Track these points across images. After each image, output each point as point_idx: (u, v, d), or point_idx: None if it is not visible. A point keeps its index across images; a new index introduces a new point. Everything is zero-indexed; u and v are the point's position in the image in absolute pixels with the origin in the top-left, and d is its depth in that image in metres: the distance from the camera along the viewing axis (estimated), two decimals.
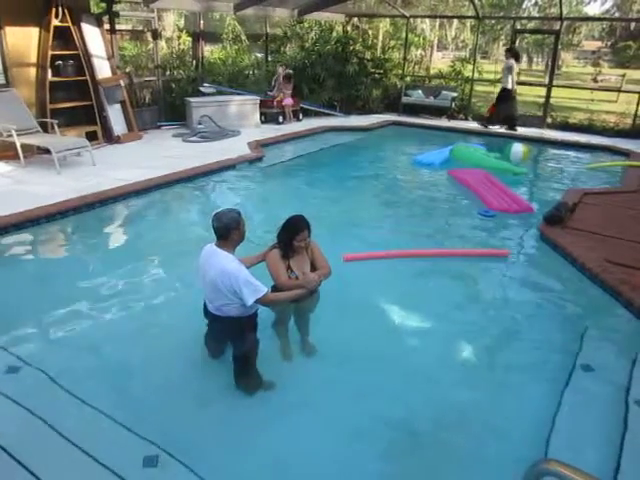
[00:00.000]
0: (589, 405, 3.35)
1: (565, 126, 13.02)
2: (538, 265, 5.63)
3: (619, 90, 19.14)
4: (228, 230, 3.23)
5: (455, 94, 14.16)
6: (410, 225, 6.68)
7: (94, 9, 9.92)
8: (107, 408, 3.09)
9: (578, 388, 3.47)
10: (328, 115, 13.60)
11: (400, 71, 15.01)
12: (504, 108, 12.51)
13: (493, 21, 28.41)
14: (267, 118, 12.38)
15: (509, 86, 12.27)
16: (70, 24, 8.68)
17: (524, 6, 29.56)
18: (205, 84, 11.79)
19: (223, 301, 3.25)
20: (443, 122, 13.62)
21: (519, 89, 14.14)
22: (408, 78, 15.31)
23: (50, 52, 8.47)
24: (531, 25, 18.67)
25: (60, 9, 8.45)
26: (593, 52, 42.15)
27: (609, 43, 40.18)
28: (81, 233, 5.94)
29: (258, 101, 12.06)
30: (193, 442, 2.90)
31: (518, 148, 9.29)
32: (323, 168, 9.46)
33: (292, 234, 3.53)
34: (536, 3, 29.59)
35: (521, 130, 12.46)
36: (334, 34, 14.57)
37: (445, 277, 5.15)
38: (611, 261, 5.12)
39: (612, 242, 5.70)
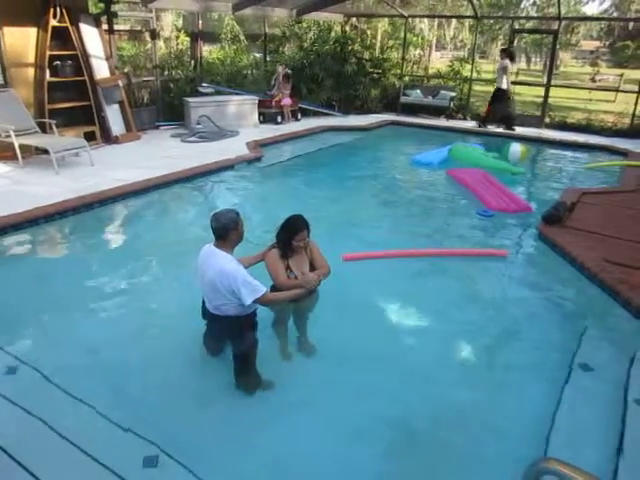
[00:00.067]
0: (588, 404, 3.35)
1: (563, 126, 13.03)
2: (537, 265, 5.64)
3: (617, 90, 19.16)
4: (226, 230, 3.23)
5: (453, 94, 14.18)
6: (409, 225, 6.68)
7: (92, 9, 9.91)
8: (107, 408, 3.09)
9: (577, 387, 3.48)
10: (327, 115, 13.60)
11: (399, 71, 15.02)
12: (499, 108, 12.54)
13: (491, 21, 28.42)
14: (265, 118, 12.38)
15: (504, 86, 12.31)
16: (68, 24, 8.67)
17: (522, 6, 29.58)
18: (204, 84, 11.79)
19: (221, 301, 3.25)
20: (441, 122, 13.62)
21: (518, 89, 14.20)
22: (407, 78, 15.31)
23: (48, 52, 8.46)
24: (529, 25, 18.69)
25: (58, 9, 8.44)
26: (591, 52, 42.22)
27: (607, 43, 40.23)
28: (80, 233, 5.94)
29: (257, 101, 12.06)
30: (193, 442, 2.90)
31: (516, 148, 9.31)
32: (322, 168, 9.46)
33: (291, 234, 3.53)
34: (534, 3, 29.62)
35: (519, 130, 12.48)
36: (332, 34, 14.58)
37: (444, 277, 5.16)
38: (610, 260, 5.13)
39: (611, 242, 5.70)
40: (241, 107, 11.84)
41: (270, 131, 11.46)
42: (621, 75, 23.65)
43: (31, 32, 8.40)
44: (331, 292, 3.93)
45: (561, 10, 12.89)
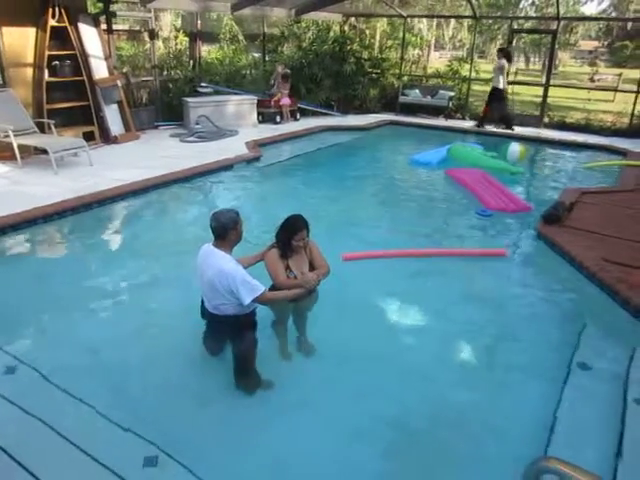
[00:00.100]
0: (588, 403, 3.36)
1: (562, 125, 13.05)
2: (536, 264, 5.64)
3: (616, 90, 19.17)
4: (225, 230, 3.23)
5: (452, 93, 14.18)
6: (408, 224, 6.68)
7: (91, 9, 9.90)
8: (106, 408, 3.08)
9: (576, 386, 3.48)
10: (325, 115, 13.60)
11: (397, 71, 15.02)
12: (497, 108, 12.57)
13: (490, 21, 28.44)
14: (264, 118, 12.37)
15: (500, 86, 12.32)
16: (67, 24, 8.66)
17: (521, 6, 29.60)
18: (203, 84, 11.79)
19: (220, 300, 3.26)
20: (440, 121, 13.63)
21: (517, 89, 14.18)
22: (405, 78, 15.31)
23: (47, 52, 8.44)
24: (528, 25, 18.71)
25: (57, 9, 8.43)
26: (590, 52, 42.28)
27: (606, 43, 40.28)
28: (78, 234, 5.93)
29: (255, 101, 12.05)
30: (193, 441, 2.90)
31: (515, 147, 9.31)
32: (321, 168, 9.46)
33: (291, 234, 3.53)
34: (533, 3, 29.63)
35: (518, 130, 12.49)
36: (331, 34, 14.59)
37: (443, 277, 5.15)
38: (608, 260, 5.13)
39: (610, 241, 5.71)
40: (240, 107, 11.84)
41: (269, 131, 11.46)
42: (620, 75, 23.68)
43: (30, 32, 8.39)
44: (331, 292, 3.93)
45: (560, 10, 12.91)
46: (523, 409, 3.33)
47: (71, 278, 4.86)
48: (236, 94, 12.05)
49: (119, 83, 9.70)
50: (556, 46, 13.71)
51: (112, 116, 9.62)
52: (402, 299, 4.65)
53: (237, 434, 3.02)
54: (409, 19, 15.65)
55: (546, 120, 13.27)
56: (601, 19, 31.28)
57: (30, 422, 2.97)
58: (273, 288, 3.57)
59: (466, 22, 23.89)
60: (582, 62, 42.60)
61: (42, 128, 8.35)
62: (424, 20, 20.74)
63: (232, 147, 9.59)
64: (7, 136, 7.52)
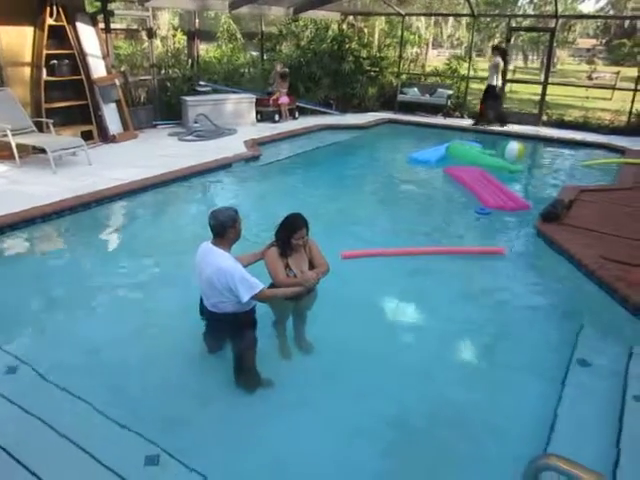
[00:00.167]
0: (587, 401, 3.37)
1: (560, 123, 13.04)
2: (535, 262, 5.65)
3: (614, 88, 19.20)
4: (224, 228, 3.23)
5: (451, 92, 14.18)
6: (407, 223, 6.68)
7: (89, 8, 9.87)
8: (107, 407, 3.09)
9: (575, 383, 3.49)
10: (324, 113, 13.59)
11: (396, 69, 15.01)
12: (492, 106, 12.59)
13: (488, 19, 28.44)
14: (263, 116, 12.36)
15: (494, 83, 12.36)
16: (65, 23, 8.64)
17: (519, 4, 29.60)
18: (201, 82, 11.77)
19: (219, 298, 3.26)
20: (439, 120, 13.63)
21: (515, 87, 14.20)
22: (404, 76, 15.31)
23: (45, 51, 8.43)
24: (526, 23, 18.71)
25: (55, 8, 8.42)
26: (588, 50, 42.29)
27: (604, 41, 40.30)
28: (77, 233, 5.93)
29: (254, 99, 12.04)
30: (194, 440, 2.91)
31: (513, 146, 9.32)
32: (319, 166, 9.47)
33: (290, 232, 3.53)
34: (531, 1, 29.61)
35: (517, 128, 12.50)
36: (330, 32, 14.55)
37: (443, 275, 5.16)
38: (607, 258, 5.14)
39: (608, 239, 5.72)
40: (238, 105, 11.82)
41: (268, 129, 11.45)
42: (617, 73, 23.71)
43: (27, 31, 8.37)
44: (330, 290, 3.94)
45: (558, 8, 12.91)
46: (522, 407, 3.34)
47: (70, 278, 4.86)
48: (234, 93, 12.03)
49: (117, 82, 9.69)
50: (554, 44, 13.70)
51: (110, 115, 9.61)
52: (401, 298, 4.66)
53: (238, 432, 3.02)
54: (407, 17, 15.64)
55: (544, 118, 13.27)
56: (599, 17, 31.29)
57: (30, 421, 2.97)
58: (272, 287, 3.57)
59: (464, 20, 23.89)
60: (580, 60, 42.62)
61: (40, 127, 8.34)
62: (422, 18, 20.71)
63: (231, 146, 9.58)
64: (5, 135, 7.51)
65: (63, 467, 2.72)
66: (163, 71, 11.63)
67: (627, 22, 31.97)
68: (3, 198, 6.31)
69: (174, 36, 12.38)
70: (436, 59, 26.01)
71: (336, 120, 13.02)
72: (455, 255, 5.62)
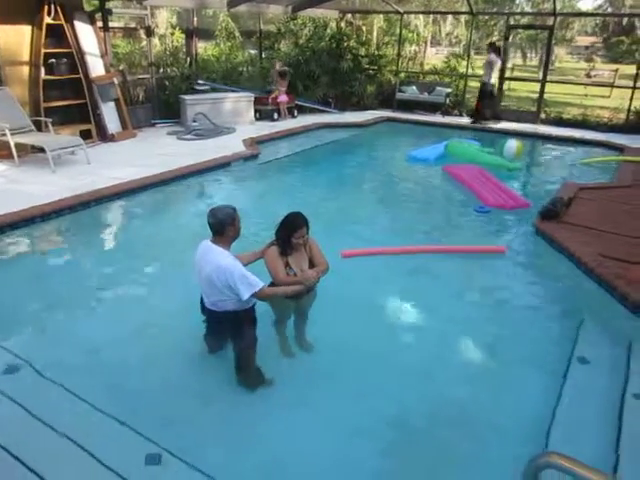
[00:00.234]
0: (587, 399, 3.38)
1: (559, 121, 13.05)
2: (534, 260, 5.66)
3: (612, 85, 19.20)
4: (223, 226, 3.24)
5: (449, 90, 14.18)
6: (406, 221, 6.69)
7: (87, 6, 9.85)
8: (108, 407, 3.09)
9: (575, 381, 3.50)
10: (323, 112, 13.58)
11: (394, 67, 15.01)
12: (488, 104, 12.61)
13: (487, 17, 28.42)
14: (262, 115, 12.35)
15: (488, 80, 12.42)
16: (63, 22, 8.63)
17: (517, 1, 29.57)
18: (200, 81, 11.77)
19: (219, 297, 3.26)
20: (437, 118, 13.64)
21: (513, 84, 14.20)
22: (402, 74, 15.29)
23: (43, 50, 8.42)
24: (525, 20, 18.69)
25: (53, 7, 8.41)
26: (586, 47, 42.26)
27: (602, 38, 40.28)
28: (76, 232, 5.93)
29: (252, 98, 12.03)
30: (195, 439, 2.91)
31: (512, 144, 9.32)
32: (318, 165, 9.47)
33: (290, 231, 3.53)
34: None
35: (515, 125, 12.51)
36: (328, 30, 14.56)
37: (443, 274, 5.16)
38: (606, 256, 5.15)
39: (607, 237, 5.73)
40: (237, 104, 11.81)
41: (266, 128, 11.44)
42: (616, 70, 23.71)
43: (25, 30, 8.35)
44: (330, 289, 3.94)
45: (556, 6, 12.90)
46: (522, 405, 3.34)
47: (70, 277, 4.87)
48: (233, 91, 12.03)
49: (116, 81, 9.68)
50: (553, 42, 13.70)
51: (109, 114, 9.60)
52: (401, 296, 4.66)
53: (238, 431, 3.03)
54: (406, 15, 15.62)
55: (543, 116, 13.28)
56: (597, 15, 31.31)
57: (31, 421, 2.97)
58: (273, 285, 3.57)
59: (463, 18, 23.89)
60: (578, 58, 42.60)
61: (39, 126, 8.33)
62: (420, 16, 20.71)
63: (229, 145, 9.58)
64: (4, 134, 7.50)
65: (64, 467, 2.73)
66: (161, 70, 11.62)
67: (625, 19, 31.96)
68: (2, 197, 6.31)
69: (172, 34, 12.38)
70: (434, 57, 26.00)
71: (335, 118, 13.02)
72: (455, 254, 5.63)
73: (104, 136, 9.48)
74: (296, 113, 13.01)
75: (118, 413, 3.04)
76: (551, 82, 14.35)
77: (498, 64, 12.62)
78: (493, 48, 12.65)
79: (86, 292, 4.57)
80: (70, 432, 2.89)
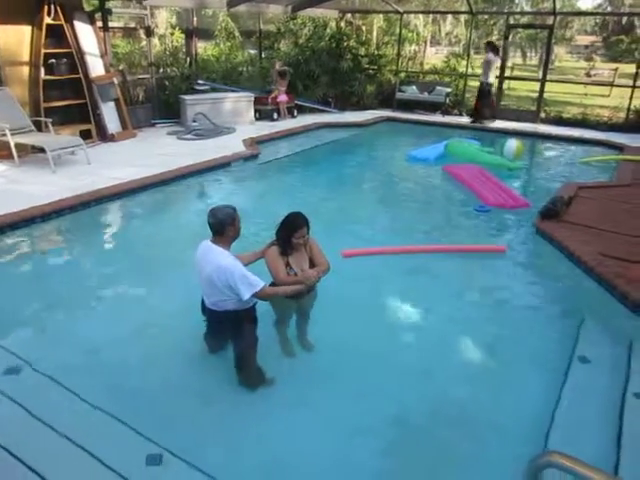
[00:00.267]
0: (587, 398, 3.38)
1: (559, 121, 13.05)
2: (535, 260, 5.67)
3: (612, 84, 19.20)
4: (223, 226, 3.24)
5: (449, 90, 14.17)
6: (406, 221, 6.70)
7: (86, 6, 9.85)
8: (109, 407, 3.09)
9: (576, 380, 3.50)
10: (322, 111, 13.57)
11: (394, 67, 15.01)
12: (486, 103, 12.62)
13: (486, 16, 28.41)
14: (262, 115, 12.35)
15: (486, 79, 12.43)
16: (63, 22, 8.63)
17: (517, 1, 29.53)
18: (199, 81, 11.77)
19: (220, 297, 3.27)
20: (437, 118, 13.64)
21: (513, 84, 14.19)
22: (402, 74, 15.29)
23: (43, 50, 8.42)
24: (524, 20, 18.68)
25: (52, 7, 8.40)
26: (586, 46, 42.24)
27: (602, 37, 40.25)
28: (77, 232, 5.93)
29: (252, 98, 12.03)
30: (196, 439, 2.91)
31: (512, 143, 9.31)
32: (318, 165, 9.47)
33: (291, 231, 3.53)
34: None
35: (515, 125, 12.51)
36: (328, 30, 14.55)
37: (443, 273, 5.16)
38: (606, 255, 5.15)
39: (607, 236, 5.73)
40: (237, 104, 11.81)
41: (266, 128, 11.44)
42: (615, 69, 23.70)
43: (25, 30, 8.36)
44: (331, 289, 3.94)
45: (556, 5, 12.90)
46: (523, 404, 3.34)
47: (70, 277, 4.87)
48: (233, 91, 12.03)
49: (115, 81, 9.68)
50: (552, 41, 13.70)
51: (109, 114, 9.60)
52: (402, 296, 4.66)
53: (239, 431, 3.03)
54: (405, 15, 15.62)
55: (543, 115, 13.28)
56: (597, 14, 31.30)
57: (32, 421, 2.97)
58: (273, 285, 3.58)
59: (462, 17, 23.87)
60: (578, 57, 42.57)
61: (39, 126, 8.33)
62: (420, 16, 20.70)
63: (229, 144, 9.58)
64: (4, 135, 7.50)
65: (64, 467, 2.73)
66: (161, 70, 11.62)
67: (625, 18, 31.92)
68: (2, 197, 6.31)
69: (172, 34, 12.37)
70: (434, 57, 25.99)
71: (335, 118, 13.01)
72: (455, 253, 5.63)
73: (104, 136, 9.48)
74: (296, 113, 13.01)
75: (119, 413, 3.04)
76: (551, 81, 14.34)
77: (497, 63, 12.64)
78: (491, 47, 12.66)
79: (86, 292, 4.57)
80: (71, 432, 2.89)
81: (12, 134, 7.58)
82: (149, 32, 11.23)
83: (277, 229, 3.64)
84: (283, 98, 12.42)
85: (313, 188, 7.83)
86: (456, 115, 13.94)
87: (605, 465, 2.71)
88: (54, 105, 8.73)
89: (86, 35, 9.16)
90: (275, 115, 12.40)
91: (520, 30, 27.52)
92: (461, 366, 3.77)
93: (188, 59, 12.29)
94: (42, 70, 8.48)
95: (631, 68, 16.74)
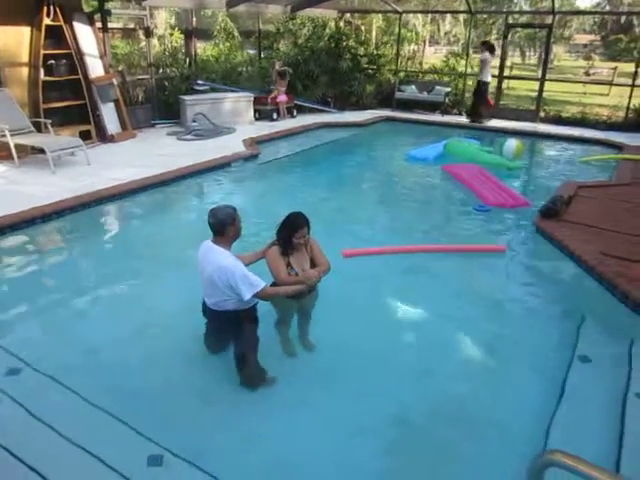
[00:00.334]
0: (588, 397, 3.38)
1: (558, 120, 13.06)
2: (535, 259, 5.66)
3: (611, 83, 19.21)
4: (223, 226, 3.24)
5: (448, 89, 14.17)
6: (406, 221, 6.70)
7: (86, 7, 9.84)
8: (109, 407, 3.09)
9: (576, 380, 3.50)
10: (322, 111, 13.57)
11: (393, 66, 15.01)
12: (483, 102, 12.63)
13: (485, 15, 28.42)
14: (261, 115, 12.35)
15: (482, 78, 12.43)
16: (62, 23, 8.63)
17: (516, 0, 29.55)
18: (199, 81, 11.77)
19: (221, 297, 3.27)
20: (437, 117, 13.65)
21: (512, 83, 14.19)
22: (401, 73, 15.29)
23: (42, 51, 8.41)
24: (523, 19, 18.68)
25: (52, 8, 8.39)
26: (585, 45, 42.25)
27: (600, 36, 40.26)
28: (77, 233, 5.92)
29: (252, 98, 12.03)
30: (197, 440, 2.92)
31: (511, 143, 9.32)
32: (318, 165, 9.47)
33: (291, 231, 3.54)
34: None
35: (514, 124, 12.52)
36: (327, 30, 14.54)
37: (444, 273, 5.16)
38: (607, 254, 5.15)
39: (608, 235, 5.73)
40: (236, 104, 11.81)
41: (266, 128, 11.44)
42: (614, 68, 23.71)
43: (25, 31, 8.35)
44: (331, 289, 3.94)
45: (555, 4, 12.90)
46: (524, 404, 3.34)
47: (70, 277, 4.87)
48: (232, 91, 12.03)
49: (115, 82, 9.67)
50: (551, 40, 13.71)
51: (108, 115, 9.59)
52: (402, 296, 4.66)
53: (239, 431, 3.03)
54: (404, 14, 15.62)
55: (542, 114, 13.28)
56: (595, 13, 31.29)
57: (32, 421, 2.97)
58: (274, 285, 3.58)
59: (461, 17, 23.87)
60: (577, 56, 42.58)
61: (39, 127, 8.32)
62: (419, 15, 20.70)
63: (229, 145, 9.58)
64: (4, 136, 7.50)
65: (65, 467, 2.73)
66: (161, 70, 11.61)
67: (623, 17, 31.94)
68: (2, 198, 6.30)
69: (171, 35, 12.36)
70: (433, 56, 26.01)
71: (334, 118, 13.02)
72: (455, 253, 5.63)
73: (104, 137, 9.48)
74: (295, 113, 13.01)
75: (119, 413, 3.04)
76: (550, 80, 14.35)
77: (492, 62, 12.64)
78: (487, 46, 12.67)
79: (87, 292, 4.57)
80: (71, 432, 2.89)
81: (12, 135, 7.57)
82: (148, 33, 11.23)
83: (278, 229, 3.65)
84: (283, 98, 12.42)
85: (313, 188, 7.83)
86: (455, 115, 13.94)
87: (606, 464, 2.71)
88: (53, 106, 8.72)
89: (85, 36, 9.15)
90: (275, 115, 12.40)
91: (519, 29, 27.52)
92: (461, 365, 3.77)
93: (187, 59, 12.29)
94: (41, 71, 8.48)
95: (630, 67, 16.74)
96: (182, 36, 12.43)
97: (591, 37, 41.04)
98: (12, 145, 7.54)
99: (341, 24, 15.21)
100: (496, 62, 13.80)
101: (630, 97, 12.15)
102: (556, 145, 11.28)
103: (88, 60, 9.16)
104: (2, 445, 2.79)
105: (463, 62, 14.75)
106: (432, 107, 14.13)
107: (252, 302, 3.37)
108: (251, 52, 14.58)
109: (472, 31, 16.46)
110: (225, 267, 3.15)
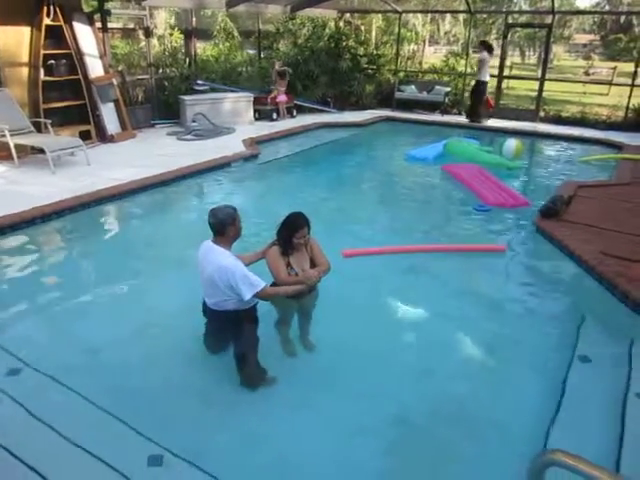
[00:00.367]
0: (588, 396, 3.38)
1: (558, 119, 13.06)
2: (535, 259, 5.66)
3: (610, 83, 19.22)
4: (224, 226, 3.25)
5: (448, 89, 14.17)
6: (406, 221, 6.70)
7: (86, 7, 9.84)
8: (109, 407, 3.09)
9: (577, 379, 3.50)
10: (322, 111, 13.57)
11: (393, 66, 15.01)
12: (481, 101, 12.64)
13: (485, 15, 28.42)
14: (261, 115, 12.35)
15: (480, 78, 12.43)
16: (62, 23, 8.62)
17: (515, 0, 29.55)
18: (199, 81, 11.76)
19: (221, 297, 3.27)
20: (436, 117, 13.65)
21: (512, 83, 14.19)
22: (401, 73, 15.29)
23: (42, 51, 8.41)
24: (523, 19, 18.68)
25: (52, 8, 8.39)
26: (584, 45, 42.26)
27: (600, 36, 40.26)
28: (77, 233, 5.92)
29: (252, 98, 12.03)
30: (197, 440, 2.91)
31: (511, 143, 9.32)
32: (318, 165, 9.47)
33: (292, 231, 3.54)
34: None
35: (514, 124, 12.52)
36: (327, 30, 14.54)
37: (444, 272, 5.16)
38: (607, 254, 5.15)
39: (608, 235, 5.73)
40: (236, 104, 11.81)
41: (266, 128, 11.44)
42: (614, 68, 23.71)
43: (25, 31, 8.35)
44: (331, 289, 3.94)
45: (554, 4, 12.90)
46: (524, 403, 3.34)
47: (70, 278, 4.86)
48: (232, 91, 12.03)
49: (115, 82, 9.66)
50: (551, 40, 13.71)
51: (108, 115, 9.59)
52: (402, 295, 4.66)
53: (240, 431, 3.03)
54: (404, 14, 15.61)
55: (542, 114, 13.28)
56: (595, 13, 31.29)
57: (32, 421, 2.97)
58: (274, 285, 3.58)
59: (461, 17, 23.88)
60: (577, 56, 42.58)
61: (38, 128, 8.32)
62: (419, 15, 20.71)
63: (229, 145, 9.58)
64: (3, 136, 7.49)
65: (65, 467, 2.73)
66: (161, 70, 11.61)
67: (623, 17, 31.95)
68: (2, 198, 6.30)
69: (171, 35, 12.36)
70: (433, 56, 26.02)
71: (334, 118, 13.02)
72: (455, 253, 5.63)
73: (103, 137, 9.48)
74: (295, 113, 13.01)
75: (119, 413, 3.04)
76: (550, 80, 14.35)
77: (490, 62, 12.64)
78: (485, 46, 12.67)
79: (86, 292, 4.57)
80: (71, 432, 2.89)
81: (11, 135, 7.57)
82: (148, 33, 11.22)
83: (278, 229, 3.65)
84: (282, 98, 12.41)
85: (313, 188, 7.83)
86: (455, 114, 13.94)
87: (607, 464, 2.70)
88: (53, 106, 8.71)
89: (85, 36, 9.15)
90: (274, 115, 12.40)
91: (519, 29, 27.53)
92: (461, 365, 3.77)
93: (187, 59, 12.28)
94: (41, 71, 8.47)
95: (629, 67, 16.74)
96: (182, 36, 12.43)
97: (591, 37, 41.04)
98: (12, 145, 7.53)
99: (341, 24, 15.21)
100: (496, 62, 13.84)
101: (629, 97, 12.15)
102: (556, 145, 11.28)
103: (88, 60, 9.15)
104: (2, 445, 2.78)
105: (463, 62, 14.74)
106: (432, 107, 14.13)
107: (252, 302, 3.37)
108: (251, 52, 14.58)
109: (472, 31, 16.46)
110: (225, 267, 3.15)
